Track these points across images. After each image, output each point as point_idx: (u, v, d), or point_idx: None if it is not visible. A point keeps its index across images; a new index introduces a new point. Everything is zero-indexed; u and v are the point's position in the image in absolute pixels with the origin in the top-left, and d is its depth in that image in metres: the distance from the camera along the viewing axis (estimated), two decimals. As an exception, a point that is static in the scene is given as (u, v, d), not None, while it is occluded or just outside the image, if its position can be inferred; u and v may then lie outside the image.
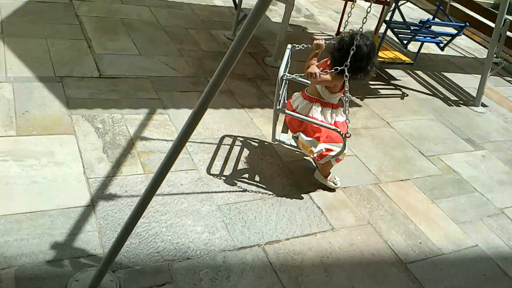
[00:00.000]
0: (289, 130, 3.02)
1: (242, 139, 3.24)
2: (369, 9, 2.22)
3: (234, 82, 3.92)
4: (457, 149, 3.92)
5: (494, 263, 2.79)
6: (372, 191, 3.09)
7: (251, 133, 3.33)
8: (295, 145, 2.91)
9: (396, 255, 2.63)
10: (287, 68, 2.86)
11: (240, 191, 2.77)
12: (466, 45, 6.81)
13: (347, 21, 2.69)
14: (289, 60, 2.95)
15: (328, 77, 2.64)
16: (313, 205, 2.82)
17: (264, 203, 2.73)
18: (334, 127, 2.69)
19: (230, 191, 2.74)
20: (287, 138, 3.02)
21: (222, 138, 3.19)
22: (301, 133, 2.83)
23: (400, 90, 4.73)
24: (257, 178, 2.91)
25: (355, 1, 2.86)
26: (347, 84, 2.49)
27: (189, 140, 3.04)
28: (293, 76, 2.70)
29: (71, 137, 2.79)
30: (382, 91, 4.60)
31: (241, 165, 2.98)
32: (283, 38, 4.37)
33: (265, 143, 3.27)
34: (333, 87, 2.76)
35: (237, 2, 4.67)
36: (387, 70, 5.06)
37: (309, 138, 2.78)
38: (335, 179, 3.01)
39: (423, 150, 3.76)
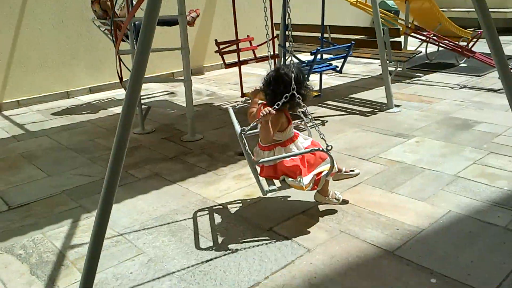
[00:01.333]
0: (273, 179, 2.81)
1: (183, 208, 3.00)
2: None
3: (158, 166, 3.74)
4: (391, 145, 3.95)
5: (473, 218, 2.68)
6: (332, 204, 2.93)
7: (191, 200, 3.10)
8: (286, 185, 2.66)
9: (380, 248, 2.43)
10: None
11: (198, 253, 2.47)
12: (359, 71, 7.29)
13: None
14: (237, 120, 2.83)
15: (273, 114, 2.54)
16: (279, 236, 2.59)
17: (228, 256, 2.45)
18: (312, 148, 2.60)
19: (187, 258, 2.44)
20: (275, 186, 2.71)
21: (161, 215, 2.92)
22: (284, 176, 2.64)
23: (319, 119, 4.81)
24: (211, 236, 2.64)
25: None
26: (302, 106, 2.52)
27: (126, 228, 2.77)
28: (250, 127, 2.54)
29: (-10, 275, 2.38)
30: (303, 126, 4.63)
31: (190, 231, 2.71)
32: (192, 114, 4.35)
33: (208, 203, 3.05)
34: (281, 125, 2.65)
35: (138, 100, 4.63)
36: (299, 109, 5.16)
37: (293, 179, 2.59)
38: (335, 194, 2.86)
39: (362, 155, 3.74)
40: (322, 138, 2.49)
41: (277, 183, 2.69)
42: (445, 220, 2.68)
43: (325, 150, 2.50)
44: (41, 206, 3.13)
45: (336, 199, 2.86)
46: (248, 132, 2.52)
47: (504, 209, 2.77)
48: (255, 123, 2.56)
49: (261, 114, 2.51)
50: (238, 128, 2.59)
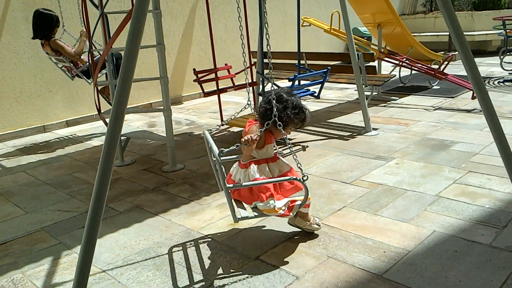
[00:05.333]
0: (245, 204, 2.78)
1: (167, 240, 2.94)
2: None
3: (139, 198, 3.67)
4: (371, 167, 3.99)
5: (457, 238, 2.71)
6: (318, 230, 2.92)
7: (175, 232, 3.05)
8: (258, 213, 2.62)
9: (368, 272, 2.42)
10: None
11: (184, 286, 2.41)
12: (336, 96, 7.42)
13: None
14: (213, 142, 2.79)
15: (256, 134, 2.54)
16: (267, 265, 2.56)
17: (216, 287, 2.39)
18: (287, 177, 2.58)
19: (173, 292, 2.38)
20: (248, 212, 2.69)
21: (144, 248, 2.86)
22: (256, 202, 2.61)
23: (299, 145, 4.84)
24: (199, 268, 2.58)
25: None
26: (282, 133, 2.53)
27: (108, 264, 2.69)
28: (229, 149, 2.52)
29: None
30: (284, 151, 4.65)
31: (175, 264, 2.65)
32: (172, 143, 4.32)
33: (193, 234, 2.99)
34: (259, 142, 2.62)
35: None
36: (279, 135, 5.20)
37: (264, 203, 2.56)
38: (316, 220, 2.85)
39: (344, 179, 3.76)
40: (299, 167, 2.49)
41: (250, 210, 2.67)
42: (430, 241, 2.70)
43: (301, 180, 2.49)
44: (20, 244, 3.02)
45: (317, 224, 2.84)
46: (226, 156, 2.50)
47: (487, 227, 2.80)
48: (234, 147, 2.53)
49: (242, 140, 2.52)
50: (215, 149, 2.54)
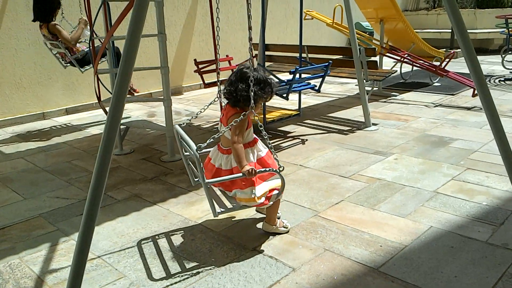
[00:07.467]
0: (223, 192, 2.78)
1: (165, 229, 2.95)
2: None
3: (138, 187, 3.68)
4: (370, 162, 4.00)
5: (454, 234, 2.72)
6: (315, 223, 2.93)
7: (173, 222, 3.05)
8: (237, 205, 2.64)
9: (364, 265, 2.43)
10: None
11: (181, 275, 2.42)
12: (337, 90, 7.41)
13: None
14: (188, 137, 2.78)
15: (240, 126, 2.51)
16: (264, 257, 2.56)
17: (213, 277, 2.40)
18: (265, 169, 2.55)
19: (170, 281, 2.38)
20: (227, 206, 2.70)
21: (142, 237, 2.86)
22: (236, 191, 2.61)
23: (299, 138, 4.84)
24: (196, 258, 2.59)
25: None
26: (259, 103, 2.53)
27: (106, 251, 2.70)
28: (207, 143, 2.48)
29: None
30: (283, 144, 4.66)
31: (173, 253, 2.66)
32: (172, 134, 4.31)
33: (190, 224, 3.00)
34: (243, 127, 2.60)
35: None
36: (280, 128, 5.20)
37: (244, 191, 2.57)
38: (283, 222, 2.83)
39: (342, 173, 3.76)
40: (275, 158, 2.53)
41: (228, 204, 2.68)
42: (427, 236, 2.71)
43: (277, 171, 2.50)
44: (18, 230, 3.03)
45: (284, 227, 2.82)
46: (204, 150, 2.49)
47: (484, 224, 2.82)
48: (211, 140, 2.46)
49: (243, 172, 2.47)
50: (192, 146, 2.49)
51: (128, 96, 5.75)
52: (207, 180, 2.49)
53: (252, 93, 2.45)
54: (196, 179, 2.83)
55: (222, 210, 2.62)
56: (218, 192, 2.83)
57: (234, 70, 2.68)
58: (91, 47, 4.43)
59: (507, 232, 2.71)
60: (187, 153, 2.77)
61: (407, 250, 2.57)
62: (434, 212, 3.00)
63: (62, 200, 3.47)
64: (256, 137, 2.73)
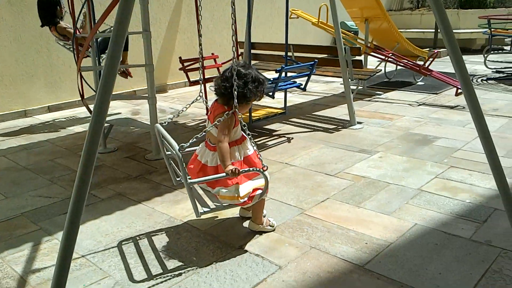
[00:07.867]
0: (206, 189, 2.76)
1: (150, 228, 2.92)
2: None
3: (122, 185, 3.63)
4: (355, 160, 4.02)
5: (438, 231, 2.75)
6: (301, 220, 2.94)
7: (158, 220, 3.02)
8: (220, 205, 2.62)
9: (350, 263, 2.45)
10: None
11: (167, 274, 2.40)
12: (322, 89, 7.44)
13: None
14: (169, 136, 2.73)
15: (227, 125, 2.49)
16: (251, 255, 2.56)
17: (199, 276, 2.39)
18: (249, 168, 2.51)
19: (155, 280, 2.36)
20: (210, 206, 2.68)
21: (127, 236, 2.83)
22: (219, 188, 2.59)
23: (284, 136, 4.85)
24: (181, 257, 2.57)
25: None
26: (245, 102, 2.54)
27: (90, 250, 2.66)
28: (189, 143, 2.45)
29: None
30: (269, 143, 4.66)
31: (158, 252, 2.63)
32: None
33: (176, 223, 2.98)
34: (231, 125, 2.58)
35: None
36: (265, 126, 5.20)
37: (228, 189, 2.55)
38: (269, 221, 2.83)
39: (328, 171, 3.78)
40: (259, 158, 2.53)
41: (211, 204, 2.66)
42: (411, 233, 2.73)
43: (260, 170, 2.49)
44: (-2, 229, 2.97)
45: (270, 225, 2.82)
46: (187, 149, 2.47)
47: (468, 221, 2.86)
48: (194, 139, 2.43)
49: (226, 172, 2.44)
50: (175, 145, 2.44)
51: (121, 76, 5.68)
52: (190, 180, 2.46)
53: (248, 91, 2.50)
54: (178, 179, 2.81)
55: (205, 210, 2.59)
56: (201, 191, 2.82)
57: (228, 66, 2.64)
58: (74, 45, 4.37)
59: (490, 229, 2.75)
60: (169, 152, 2.74)
61: (392, 247, 2.59)
62: (418, 210, 3.03)
63: (44, 199, 3.41)
64: (244, 135, 2.72)
